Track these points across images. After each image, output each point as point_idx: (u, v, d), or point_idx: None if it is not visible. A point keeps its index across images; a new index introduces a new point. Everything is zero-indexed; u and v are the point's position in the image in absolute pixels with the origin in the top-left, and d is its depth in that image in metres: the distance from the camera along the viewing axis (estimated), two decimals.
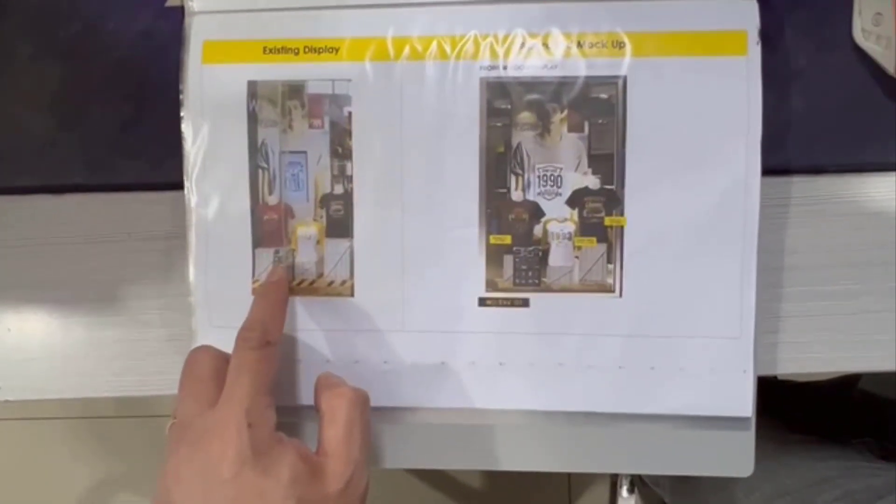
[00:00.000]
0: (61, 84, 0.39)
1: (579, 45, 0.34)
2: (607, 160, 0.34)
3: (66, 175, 0.39)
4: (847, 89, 0.35)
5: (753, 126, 0.33)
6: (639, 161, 0.33)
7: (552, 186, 0.34)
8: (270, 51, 0.35)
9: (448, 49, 0.34)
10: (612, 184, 0.34)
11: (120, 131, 0.38)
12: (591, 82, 0.34)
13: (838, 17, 0.35)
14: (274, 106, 0.35)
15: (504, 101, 0.34)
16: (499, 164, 0.34)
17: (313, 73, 0.35)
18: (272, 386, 0.32)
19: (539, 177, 0.34)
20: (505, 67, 0.34)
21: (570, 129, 0.34)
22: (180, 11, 0.37)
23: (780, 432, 0.54)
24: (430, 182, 0.34)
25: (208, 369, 0.32)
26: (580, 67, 0.34)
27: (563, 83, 0.34)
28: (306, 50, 0.35)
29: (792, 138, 0.35)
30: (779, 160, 0.35)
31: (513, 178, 0.34)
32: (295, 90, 0.35)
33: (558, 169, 0.34)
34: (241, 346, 0.32)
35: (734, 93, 0.33)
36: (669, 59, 0.33)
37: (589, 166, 0.34)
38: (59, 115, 0.39)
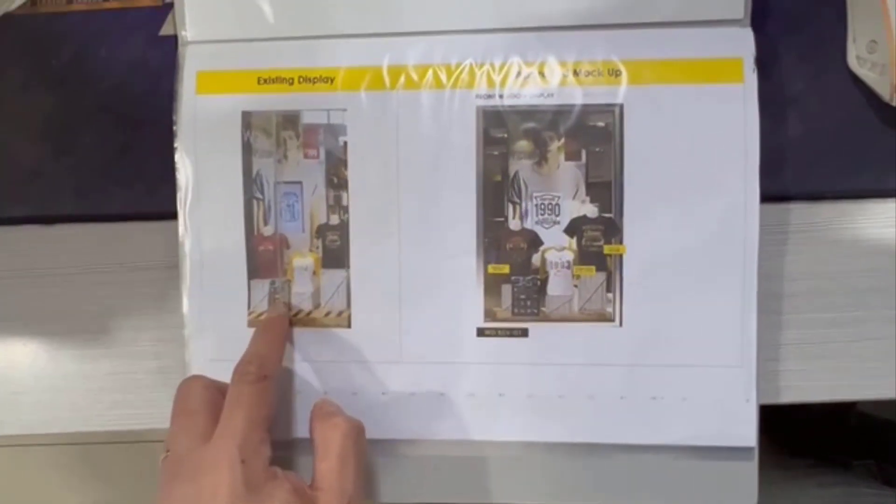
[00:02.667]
0: (53, 112, 0.38)
1: (575, 73, 0.34)
2: (605, 188, 0.33)
3: (57, 204, 0.38)
4: (843, 115, 0.35)
5: (751, 153, 0.33)
6: (637, 189, 0.33)
7: (550, 215, 0.34)
8: (265, 81, 0.35)
9: (444, 78, 0.34)
10: (610, 212, 0.33)
11: (112, 160, 0.38)
12: (588, 110, 0.33)
13: (833, 43, 0.35)
14: (268, 136, 0.35)
15: (501, 130, 0.34)
16: (496, 192, 0.34)
17: (308, 102, 0.34)
18: (268, 420, 0.32)
19: (537, 205, 0.34)
20: (501, 96, 0.34)
21: (568, 158, 0.34)
22: (174, 40, 0.37)
23: (780, 456, 0.54)
24: (427, 211, 0.34)
25: (200, 400, 0.32)
26: (577, 96, 0.33)
27: (560, 111, 0.34)
28: (301, 80, 0.35)
29: (789, 165, 0.35)
30: (777, 187, 0.35)
31: (510, 207, 0.34)
32: (290, 120, 0.35)
33: (556, 197, 0.34)
34: (238, 379, 0.32)
35: (731, 120, 0.33)
36: (666, 86, 0.33)
37: (587, 194, 0.34)
38: (51, 143, 0.38)
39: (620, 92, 0.33)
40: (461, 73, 0.34)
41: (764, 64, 0.34)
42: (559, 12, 0.34)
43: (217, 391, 0.32)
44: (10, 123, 0.39)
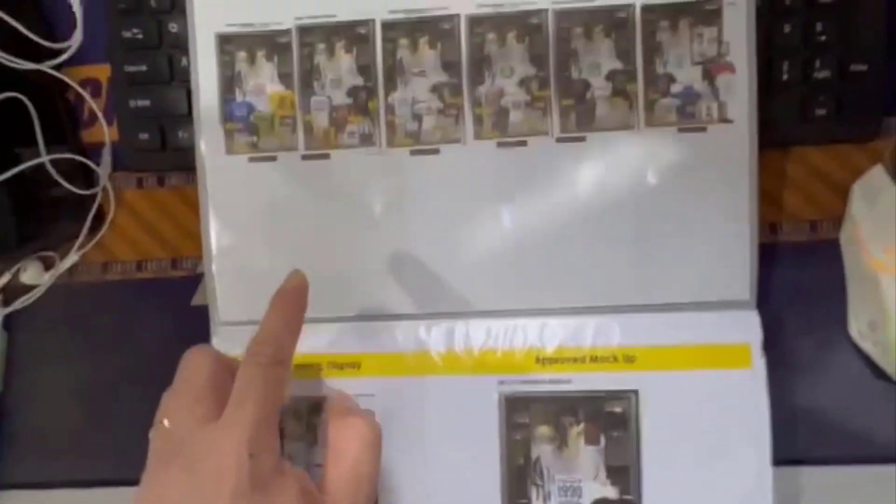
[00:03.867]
0: (90, 379, 0.40)
1: (592, 359, 0.35)
2: (624, 471, 0.35)
3: (94, 469, 0.40)
4: (850, 382, 0.36)
5: (763, 433, 0.34)
6: (655, 471, 0.35)
7: (572, 497, 0.35)
8: (294, 367, 0.36)
9: (466, 364, 0.36)
10: (630, 493, 0.35)
11: (148, 426, 0.39)
12: (605, 396, 0.35)
13: (837, 314, 0.37)
14: (299, 420, 0.36)
15: (522, 415, 0.35)
16: (520, 476, 0.35)
17: (336, 388, 0.36)
18: (279, 409, 0.29)
19: (559, 488, 0.35)
20: (522, 382, 0.35)
21: (588, 442, 0.35)
22: (205, 309, 0.39)
23: None
24: (453, 494, 0.35)
25: (207, 377, 0.29)
26: (594, 382, 0.35)
27: (578, 398, 0.35)
28: (329, 366, 0.36)
29: (800, 431, 0.36)
30: (788, 452, 0.36)
31: (533, 490, 0.35)
32: (318, 406, 0.36)
33: (577, 480, 0.35)
34: (251, 361, 0.29)
35: (742, 403, 0.34)
36: (678, 372, 0.35)
37: (607, 477, 0.35)
38: (88, 408, 0.40)
39: (635, 378, 0.35)
40: (483, 358, 0.36)
41: (770, 334, 0.35)
42: (575, 296, 0.36)
43: (226, 368, 0.30)
44: (50, 390, 0.41)
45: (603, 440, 0.35)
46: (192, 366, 0.30)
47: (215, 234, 0.37)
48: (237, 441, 0.26)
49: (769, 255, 0.37)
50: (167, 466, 0.27)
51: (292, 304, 0.31)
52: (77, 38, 0.40)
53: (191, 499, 0.26)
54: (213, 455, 0.26)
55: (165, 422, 0.29)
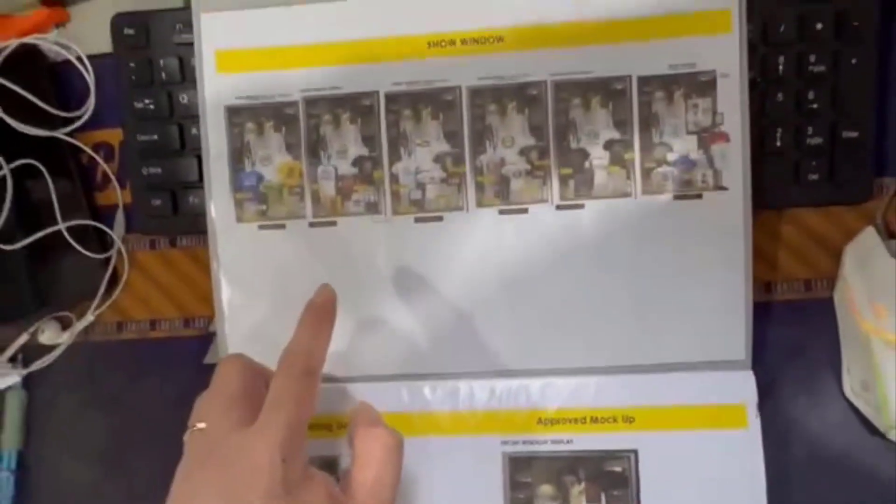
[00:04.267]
0: (107, 435, 0.42)
1: (592, 419, 0.36)
2: None
3: None
4: (844, 437, 0.37)
5: (758, 492, 0.35)
6: None
7: None
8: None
9: (470, 424, 0.37)
10: None
11: (161, 482, 0.41)
12: (605, 456, 0.36)
13: (831, 370, 0.38)
14: None
15: (525, 475, 0.37)
16: None
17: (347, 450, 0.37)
18: (310, 417, 0.30)
19: None
20: (525, 442, 0.37)
21: (589, 501, 0.36)
22: None
23: None
24: None
25: (241, 384, 0.31)
26: (594, 442, 0.36)
27: (579, 457, 0.36)
28: (337, 426, 0.38)
29: (796, 487, 0.37)
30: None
31: None
32: (328, 466, 0.37)
33: None
34: (285, 371, 0.30)
35: (738, 462, 0.36)
36: (676, 432, 0.36)
37: None
38: (105, 464, 0.42)
39: (634, 438, 0.36)
40: (487, 418, 0.37)
41: (766, 391, 0.37)
42: (576, 356, 0.37)
43: (258, 376, 0.32)
44: (66, 446, 0.42)
45: (604, 499, 0.36)
46: (227, 373, 0.31)
47: (226, 298, 0.39)
48: (271, 444, 0.27)
49: (765, 314, 0.38)
50: (202, 467, 0.28)
51: (322, 317, 0.33)
52: (90, 106, 0.41)
53: (224, 499, 0.27)
54: (247, 457, 0.27)
55: (200, 424, 0.30)
